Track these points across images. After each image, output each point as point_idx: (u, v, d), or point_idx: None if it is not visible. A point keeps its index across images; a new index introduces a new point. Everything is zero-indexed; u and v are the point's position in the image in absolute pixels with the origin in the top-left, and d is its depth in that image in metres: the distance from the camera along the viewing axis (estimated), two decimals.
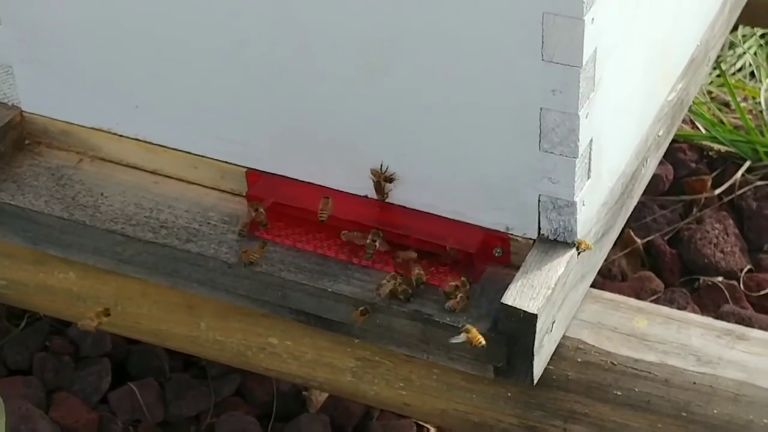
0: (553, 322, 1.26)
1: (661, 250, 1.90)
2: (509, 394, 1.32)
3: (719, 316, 1.79)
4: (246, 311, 1.38)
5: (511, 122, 1.23)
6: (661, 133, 1.46)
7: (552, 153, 1.23)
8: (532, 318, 1.21)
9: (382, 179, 1.31)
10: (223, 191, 1.41)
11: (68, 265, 1.45)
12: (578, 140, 1.22)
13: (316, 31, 1.27)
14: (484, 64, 1.21)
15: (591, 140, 1.24)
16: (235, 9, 1.29)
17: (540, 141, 1.23)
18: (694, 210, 1.95)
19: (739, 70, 2.20)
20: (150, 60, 1.36)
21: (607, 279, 1.86)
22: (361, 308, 1.27)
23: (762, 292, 1.85)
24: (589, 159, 1.26)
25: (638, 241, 1.91)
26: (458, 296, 1.25)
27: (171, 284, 1.38)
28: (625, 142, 1.37)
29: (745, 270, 1.87)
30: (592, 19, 1.16)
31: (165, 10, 1.32)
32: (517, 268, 1.26)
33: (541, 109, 1.21)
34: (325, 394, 1.71)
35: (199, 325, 1.44)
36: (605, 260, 1.43)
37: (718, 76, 2.13)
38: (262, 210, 1.33)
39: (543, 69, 1.18)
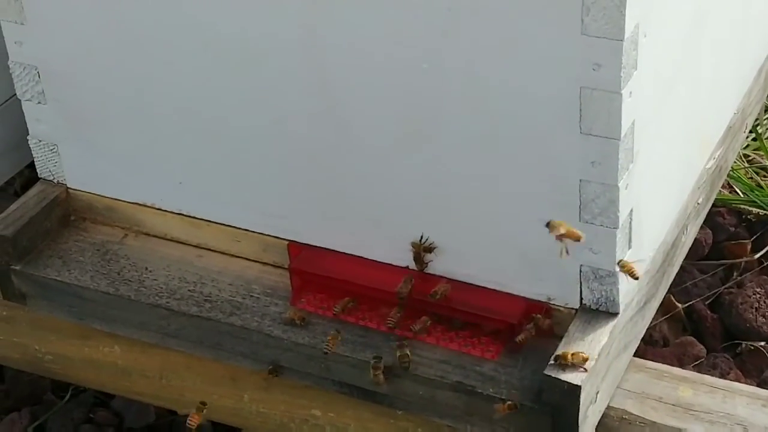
0: (597, 393, 1.26)
1: (703, 315, 1.89)
2: None
3: (763, 381, 1.78)
4: (289, 383, 1.39)
5: (551, 194, 1.24)
6: (700, 200, 1.47)
7: (592, 224, 1.23)
8: (576, 389, 1.21)
9: (422, 250, 1.32)
10: (266, 264, 1.42)
11: (113, 339, 1.46)
12: (618, 211, 1.22)
13: (354, 106, 1.28)
14: (523, 137, 1.22)
15: (631, 211, 1.25)
16: (274, 87, 1.30)
17: (580, 212, 1.23)
18: (734, 274, 1.94)
19: None
20: (192, 137, 1.38)
21: (649, 345, 1.85)
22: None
23: None
24: (630, 229, 1.26)
25: (679, 305, 1.90)
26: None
27: (215, 357, 1.39)
28: (665, 211, 1.38)
29: None
30: (630, 92, 1.17)
31: (207, 89, 1.34)
32: (560, 338, 1.26)
33: (580, 180, 1.22)
34: None
35: (242, 397, 1.45)
36: None
37: (755, 139, 2.13)
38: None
39: (582, 142, 1.19)
